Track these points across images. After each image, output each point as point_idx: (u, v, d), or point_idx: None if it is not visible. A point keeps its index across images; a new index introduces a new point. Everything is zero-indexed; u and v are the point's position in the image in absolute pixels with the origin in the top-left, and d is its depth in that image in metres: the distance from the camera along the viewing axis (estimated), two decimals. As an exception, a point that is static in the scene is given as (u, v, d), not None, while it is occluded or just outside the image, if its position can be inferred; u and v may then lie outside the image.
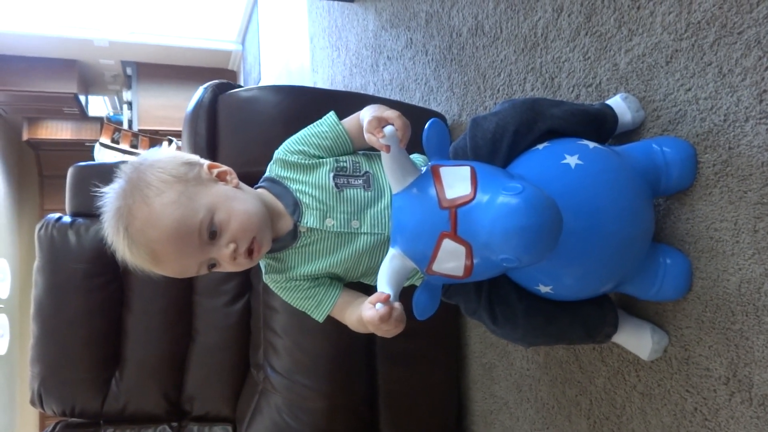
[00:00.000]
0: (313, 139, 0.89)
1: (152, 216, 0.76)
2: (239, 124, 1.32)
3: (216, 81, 1.40)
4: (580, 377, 1.13)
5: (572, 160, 0.77)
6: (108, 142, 4.87)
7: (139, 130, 5.60)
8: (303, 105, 1.32)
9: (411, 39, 1.83)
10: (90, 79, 6.17)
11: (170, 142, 5.07)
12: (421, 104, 1.77)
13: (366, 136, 0.78)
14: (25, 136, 6.03)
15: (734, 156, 0.80)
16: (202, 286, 1.64)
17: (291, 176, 0.88)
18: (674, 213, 0.91)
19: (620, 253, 0.78)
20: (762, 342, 0.77)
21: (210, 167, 0.85)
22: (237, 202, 0.81)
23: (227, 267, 0.82)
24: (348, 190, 0.86)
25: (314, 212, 0.85)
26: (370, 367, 1.43)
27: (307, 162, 0.88)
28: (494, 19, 1.35)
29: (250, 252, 0.80)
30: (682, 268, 0.86)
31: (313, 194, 0.85)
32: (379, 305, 0.69)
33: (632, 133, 0.98)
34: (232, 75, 6.23)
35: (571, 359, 1.15)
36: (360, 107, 1.28)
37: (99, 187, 0.83)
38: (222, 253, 0.79)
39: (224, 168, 0.87)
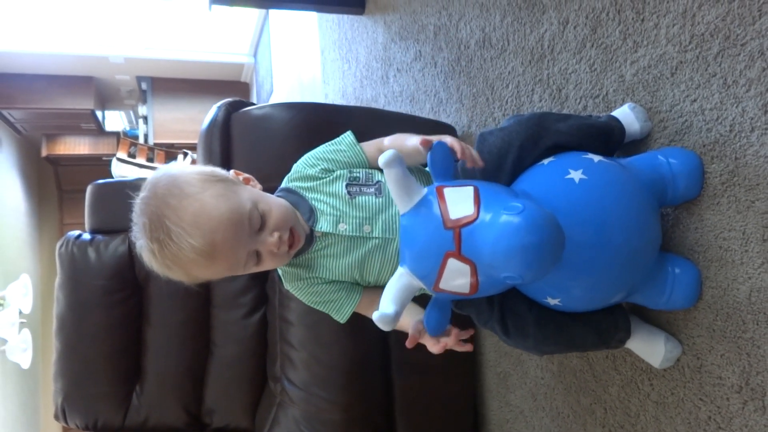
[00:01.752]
0: (331, 155, 0.94)
1: (205, 208, 0.78)
2: (253, 142, 1.35)
3: (229, 99, 1.43)
4: (594, 386, 1.14)
5: (576, 175, 0.78)
6: (125, 156, 4.95)
7: (155, 144, 5.68)
8: (315, 121, 1.35)
9: (420, 51, 1.85)
10: (106, 95, 6.27)
11: (185, 155, 5.14)
12: (431, 116, 1.79)
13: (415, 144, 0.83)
14: (44, 153, 6.14)
15: (741, 166, 0.81)
16: (220, 299, 1.66)
17: (307, 186, 0.93)
18: (683, 223, 0.91)
19: (627, 265, 0.78)
20: (773, 350, 0.78)
21: (235, 173, 0.91)
22: (272, 199, 0.88)
23: (268, 260, 0.85)
24: (360, 197, 0.91)
25: (328, 218, 0.90)
26: (386, 378, 1.44)
27: (323, 176, 0.93)
28: (501, 31, 1.37)
29: (290, 244, 0.85)
30: (691, 278, 0.86)
31: (327, 201, 0.91)
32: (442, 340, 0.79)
33: (640, 144, 0.99)
34: (245, 87, 6.30)
35: (585, 368, 1.16)
36: (371, 122, 1.31)
37: (129, 200, 0.84)
38: (268, 242, 0.82)
39: (247, 175, 0.93)
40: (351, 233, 0.89)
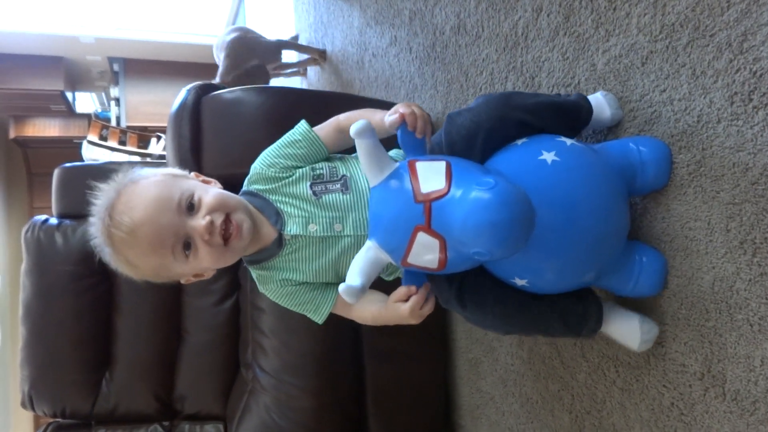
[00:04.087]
0: (287, 149, 0.91)
1: (138, 190, 0.81)
2: (223, 126, 1.32)
3: (199, 82, 1.41)
4: (562, 372, 1.15)
5: (549, 156, 0.78)
6: (96, 139, 4.85)
7: (128, 127, 5.57)
8: (286, 106, 1.33)
9: (395, 36, 1.83)
10: (77, 76, 6.11)
11: (159, 138, 5.05)
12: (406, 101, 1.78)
13: (389, 120, 0.81)
14: (11, 134, 5.98)
15: (707, 156, 0.82)
16: (191, 286, 1.64)
17: (269, 188, 0.90)
18: (650, 212, 0.92)
19: (595, 248, 0.78)
20: (734, 339, 0.79)
21: (195, 175, 0.91)
22: (218, 190, 0.87)
23: (202, 250, 0.82)
24: (326, 196, 0.88)
25: (297, 219, 0.87)
26: (358, 365, 1.44)
27: (284, 176, 0.90)
28: (476, 17, 1.36)
29: (226, 239, 0.82)
30: (657, 266, 0.87)
31: (293, 203, 0.88)
32: (413, 299, 0.79)
33: (610, 133, 0.99)
34: (220, 70, 6.19)
35: (554, 355, 1.17)
36: (342, 108, 1.28)
37: (91, 189, 0.86)
38: (198, 226, 0.80)
39: (209, 179, 0.92)
40: (322, 233, 0.86)
